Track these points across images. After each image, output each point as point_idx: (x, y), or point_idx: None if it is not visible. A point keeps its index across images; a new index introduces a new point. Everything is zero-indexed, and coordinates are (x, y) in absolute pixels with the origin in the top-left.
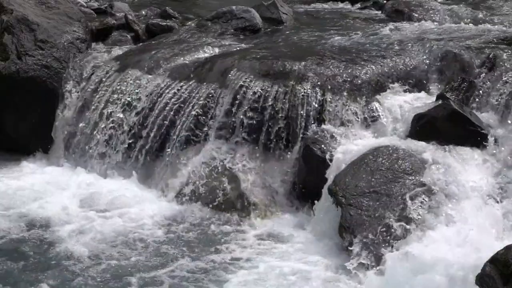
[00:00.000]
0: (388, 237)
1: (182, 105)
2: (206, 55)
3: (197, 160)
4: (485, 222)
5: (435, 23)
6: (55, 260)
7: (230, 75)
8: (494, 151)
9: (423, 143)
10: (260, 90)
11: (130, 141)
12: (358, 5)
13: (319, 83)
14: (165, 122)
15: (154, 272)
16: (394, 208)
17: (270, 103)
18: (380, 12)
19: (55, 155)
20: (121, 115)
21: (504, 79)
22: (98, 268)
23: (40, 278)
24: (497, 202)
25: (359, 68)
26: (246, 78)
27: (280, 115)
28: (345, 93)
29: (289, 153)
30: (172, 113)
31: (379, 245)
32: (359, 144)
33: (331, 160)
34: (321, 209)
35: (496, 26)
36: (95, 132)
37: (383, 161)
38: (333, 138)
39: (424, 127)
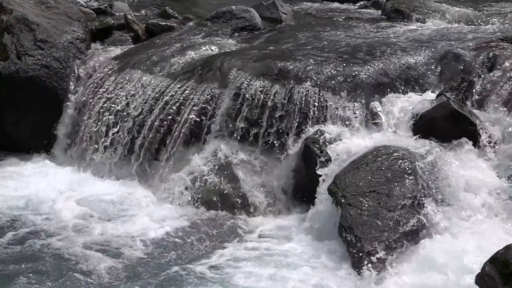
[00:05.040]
0: (388, 237)
1: (182, 105)
2: (206, 54)
3: (197, 160)
4: (484, 220)
5: (435, 23)
6: (55, 263)
7: (230, 75)
8: (494, 150)
9: (423, 143)
10: (259, 90)
11: (130, 141)
12: (358, 5)
13: (319, 82)
14: (165, 122)
15: (155, 273)
16: (394, 208)
17: (269, 103)
18: (380, 11)
19: (55, 156)
20: (121, 115)
21: (504, 78)
22: (98, 271)
23: (40, 283)
24: (497, 200)
25: (359, 67)
26: (246, 78)
27: (279, 114)
28: (345, 93)
29: (289, 152)
30: (172, 113)
31: (379, 245)
32: (359, 144)
33: (331, 160)
34: (321, 208)
35: (496, 26)
36: (95, 132)
37: (383, 161)
38: (333, 138)
39: (424, 127)
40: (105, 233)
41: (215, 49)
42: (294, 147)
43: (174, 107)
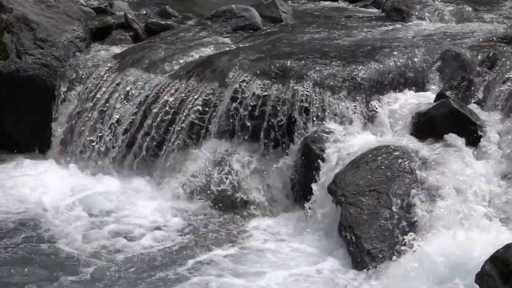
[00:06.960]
0: (388, 236)
1: (181, 103)
2: (206, 53)
3: (196, 159)
4: (483, 220)
5: (435, 22)
6: (54, 263)
7: (229, 74)
8: (494, 150)
9: (423, 142)
10: (259, 89)
11: (129, 140)
12: (358, 4)
13: (318, 81)
14: (164, 120)
15: (154, 273)
16: (394, 207)
17: (269, 102)
18: (379, 10)
19: (55, 155)
20: (121, 114)
21: (504, 78)
22: (100, 271)
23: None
24: (496, 200)
25: (359, 66)
26: (245, 77)
27: (279, 113)
28: (344, 92)
29: (288, 152)
30: (171, 112)
31: (379, 244)
32: (359, 143)
33: (331, 159)
34: (320, 208)
35: (496, 25)
36: (94, 131)
37: (382, 160)
38: (333, 137)
39: (424, 126)
40: (104, 232)
41: (215, 48)
42: (294, 146)
43: (174, 106)
